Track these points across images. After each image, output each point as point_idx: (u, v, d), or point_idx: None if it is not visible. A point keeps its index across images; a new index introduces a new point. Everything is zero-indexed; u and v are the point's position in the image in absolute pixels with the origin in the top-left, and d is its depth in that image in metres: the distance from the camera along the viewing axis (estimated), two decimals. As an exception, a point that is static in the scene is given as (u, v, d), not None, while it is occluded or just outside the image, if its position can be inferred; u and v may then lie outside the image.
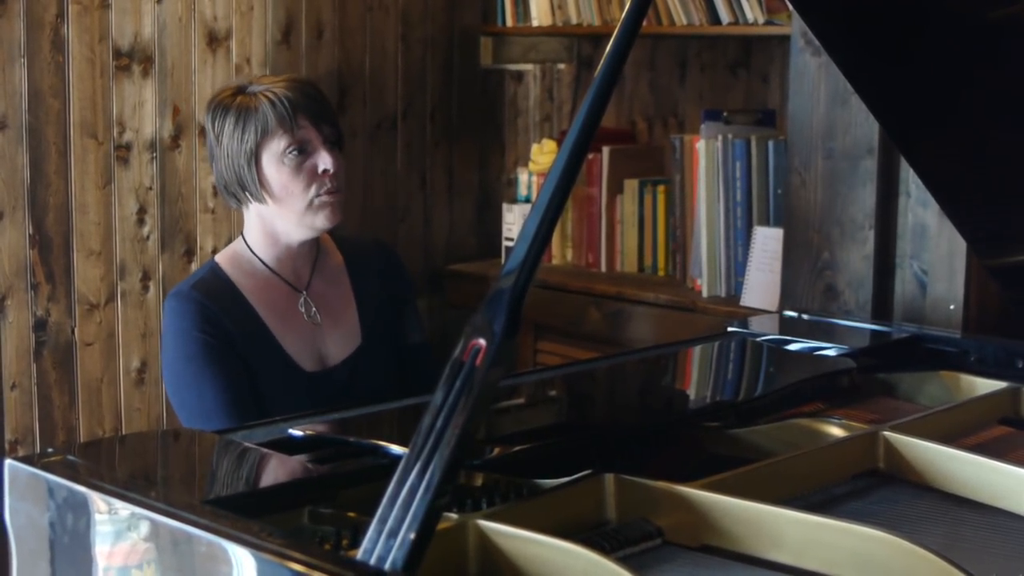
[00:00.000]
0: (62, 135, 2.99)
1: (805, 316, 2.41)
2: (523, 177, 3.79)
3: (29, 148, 2.93)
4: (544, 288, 3.44)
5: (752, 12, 3.17)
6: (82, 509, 1.37)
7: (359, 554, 1.18)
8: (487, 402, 1.23)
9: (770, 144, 3.20)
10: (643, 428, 1.86)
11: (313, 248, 2.35)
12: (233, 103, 2.24)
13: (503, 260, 3.69)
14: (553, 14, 3.66)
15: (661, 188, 3.47)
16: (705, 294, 3.25)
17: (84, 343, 3.06)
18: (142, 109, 3.12)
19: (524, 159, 3.91)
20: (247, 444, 1.62)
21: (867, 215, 2.72)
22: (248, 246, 2.32)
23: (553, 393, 2.06)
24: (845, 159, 2.74)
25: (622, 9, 1.63)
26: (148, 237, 3.15)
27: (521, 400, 1.95)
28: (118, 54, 3.06)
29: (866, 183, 2.72)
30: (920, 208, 2.69)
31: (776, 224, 3.13)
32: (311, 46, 3.45)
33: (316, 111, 2.24)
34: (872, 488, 1.63)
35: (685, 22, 3.30)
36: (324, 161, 2.23)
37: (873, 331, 2.39)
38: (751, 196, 3.21)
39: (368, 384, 2.31)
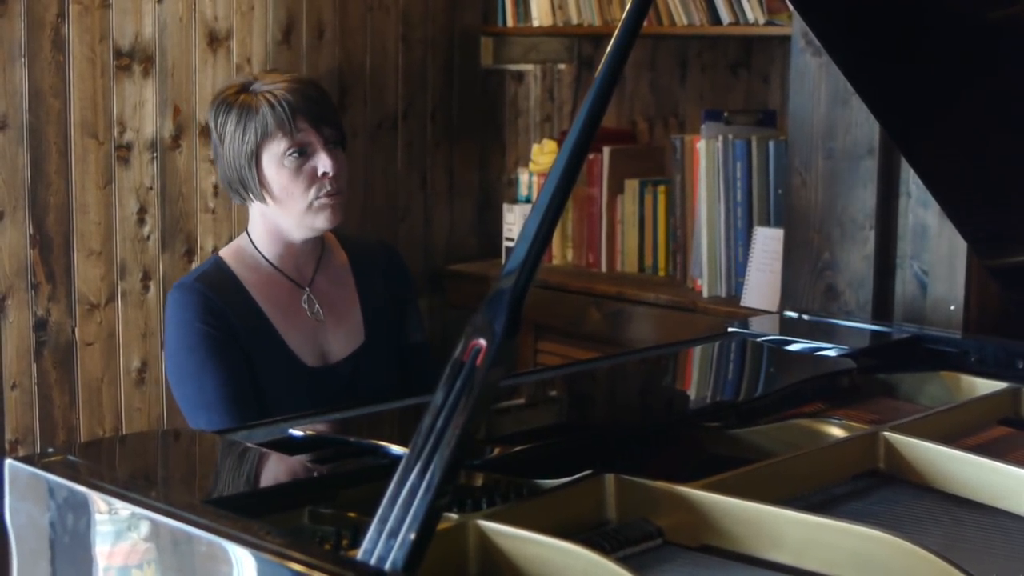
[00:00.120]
0: (63, 135, 2.99)
1: (805, 316, 2.41)
2: (523, 177, 3.79)
3: (30, 148, 2.93)
4: (544, 288, 3.44)
5: (753, 12, 3.17)
6: (82, 509, 1.37)
7: (359, 554, 1.18)
8: (487, 402, 1.23)
9: (771, 144, 3.20)
10: (643, 428, 1.86)
11: (317, 246, 2.35)
12: (236, 102, 2.24)
13: (503, 260, 3.70)
14: (554, 14, 3.66)
15: (661, 188, 3.47)
16: (705, 294, 3.25)
17: (84, 343, 3.06)
18: (143, 109, 3.12)
19: (525, 159, 3.91)
20: (247, 444, 1.62)
21: (867, 215, 2.72)
22: (252, 242, 2.32)
23: (553, 393, 2.06)
24: (845, 159, 2.74)
25: (623, 9, 1.64)
26: (148, 237, 3.15)
27: (521, 400, 1.95)
28: (119, 54, 3.06)
29: (866, 183, 2.72)
30: (920, 208, 2.69)
31: (776, 224, 3.13)
32: (312, 46, 3.46)
33: (316, 113, 2.23)
34: (872, 488, 1.63)
35: (686, 22, 3.30)
36: (324, 164, 2.23)
37: (873, 331, 2.39)
38: (751, 196, 3.21)
39: (370, 382, 2.32)
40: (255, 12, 3.31)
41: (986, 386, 2.00)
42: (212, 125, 2.28)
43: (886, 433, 1.68)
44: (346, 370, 2.31)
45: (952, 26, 1.67)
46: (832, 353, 2.15)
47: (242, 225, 3.31)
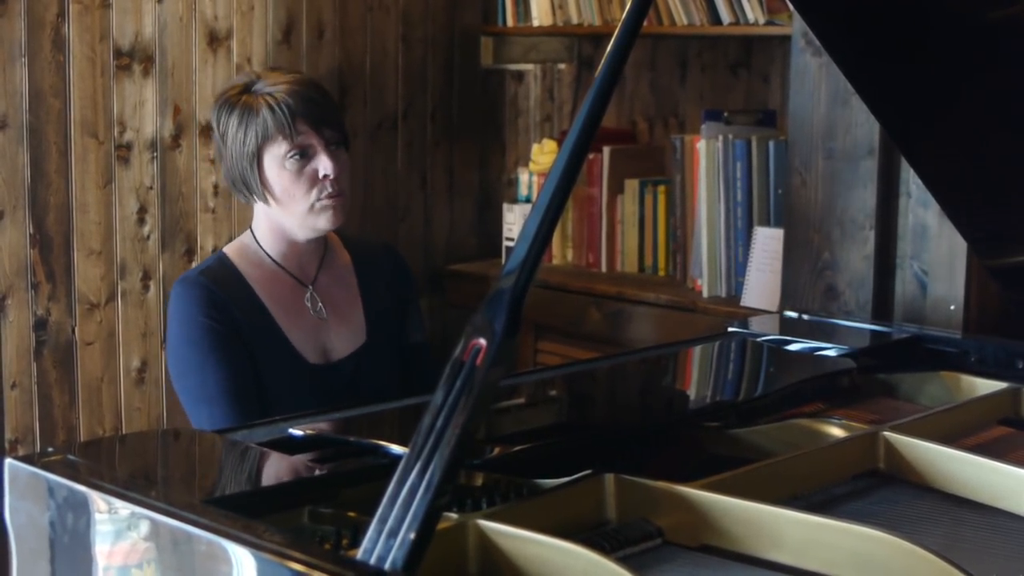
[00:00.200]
0: (63, 134, 2.99)
1: (805, 316, 2.41)
2: (523, 177, 3.79)
3: (30, 147, 2.93)
4: (544, 288, 3.44)
5: (753, 12, 3.17)
6: (82, 508, 1.37)
7: (359, 554, 1.18)
8: (487, 402, 1.23)
9: (771, 144, 3.20)
10: (643, 428, 1.86)
11: (320, 245, 2.36)
12: (238, 102, 2.24)
13: (503, 260, 3.70)
14: (554, 14, 3.66)
15: (661, 188, 3.47)
16: (705, 294, 3.25)
17: (84, 342, 3.06)
18: (143, 109, 3.12)
19: (524, 159, 3.91)
20: (247, 443, 1.62)
21: (867, 215, 2.72)
22: (256, 239, 2.33)
23: (553, 393, 2.06)
24: (845, 159, 2.74)
25: (623, 9, 1.64)
26: (148, 237, 3.15)
27: (521, 400, 1.95)
28: (119, 53, 3.06)
29: (867, 183, 2.72)
30: (920, 208, 2.69)
31: (776, 224, 3.13)
32: (312, 46, 3.46)
33: (316, 115, 2.23)
34: (872, 488, 1.63)
35: (686, 22, 3.30)
36: (324, 166, 2.23)
37: (873, 331, 2.39)
38: (751, 196, 3.21)
39: (371, 382, 2.32)
40: (255, 12, 3.31)
41: (986, 386, 2.00)
42: (215, 125, 2.29)
43: (886, 433, 1.68)
44: (348, 369, 2.31)
45: (952, 26, 1.67)
46: (832, 353, 2.15)
47: (242, 225, 3.32)
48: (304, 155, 2.23)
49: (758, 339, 2.25)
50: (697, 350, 2.26)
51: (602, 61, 1.38)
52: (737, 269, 3.21)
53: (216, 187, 3.25)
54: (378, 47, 3.63)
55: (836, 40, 1.83)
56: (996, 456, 1.61)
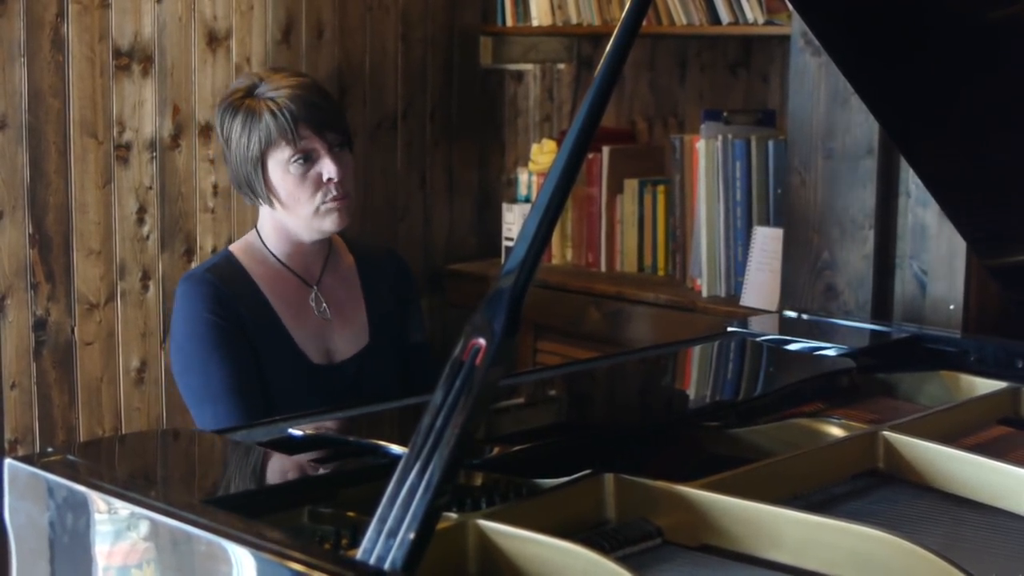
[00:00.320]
0: (62, 134, 2.99)
1: (805, 316, 2.41)
2: (523, 177, 3.79)
3: (29, 147, 2.93)
4: (544, 288, 3.44)
5: (752, 12, 3.17)
6: (82, 509, 1.37)
7: (359, 554, 1.18)
8: (487, 401, 1.23)
9: (770, 144, 3.20)
10: (643, 428, 1.86)
11: (325, 246, 2.36)
12: (241, 106, 2.24)
13: (503, 260, 3.69)
14: (553, 14, 3.66)
15: (661, 188, 3.47)
16: (705, 294, 3.25)
17: (84, 342, 3.06)
18: (142, 108, 3.12)
19: (524, 159, 3.91)
20: (247, 443, 1.62)
21: (867, 215, 2.72)
22: (261, 239, 2.33)
23: (553, 393, 2.06)
24: (845, 159, 2.74)
25: (622, 9, 1.63)
26: (148, 237, 3.15)
27: (521, 400, 1.95)
28: (118, 53, 3.06)
29: (866, 183, 2.72)
30: (920, 208, 2.69)
31: (776, 224, 3.13)
32: (311, 46, 3.45)
33: (319, 119, 2.23)
34: (872, 488, 1.63)
35: (685, 22, 3.30)
36: (328, 170, 2.24)
37: (873, 331, 2.39)
38: (751, 196, 3.21)
39: (373, 384, 2.32)
40: (254, 12, 3.31)
41: (985, 386, 2.00)
42: (218, 129, 2.29)
43: (885, 433, 1.68)
44: (351, 370, 2.32)
45: (952, 26, 1.67)
46: (831, 353, 2.15)
47: (241, 225, 3.32)
48: (308, 159, 2.24)
49: (757, 339, 2.25)
50: (696, 350, 2.26)
51: (601, 61, 1.38)
52: (736, 269, 3.21)
53: (215, 187, 3.25)
54: (377, 47, 3.63)
55: (835, 40, 1.83)
56: (996, 456, 1.61)
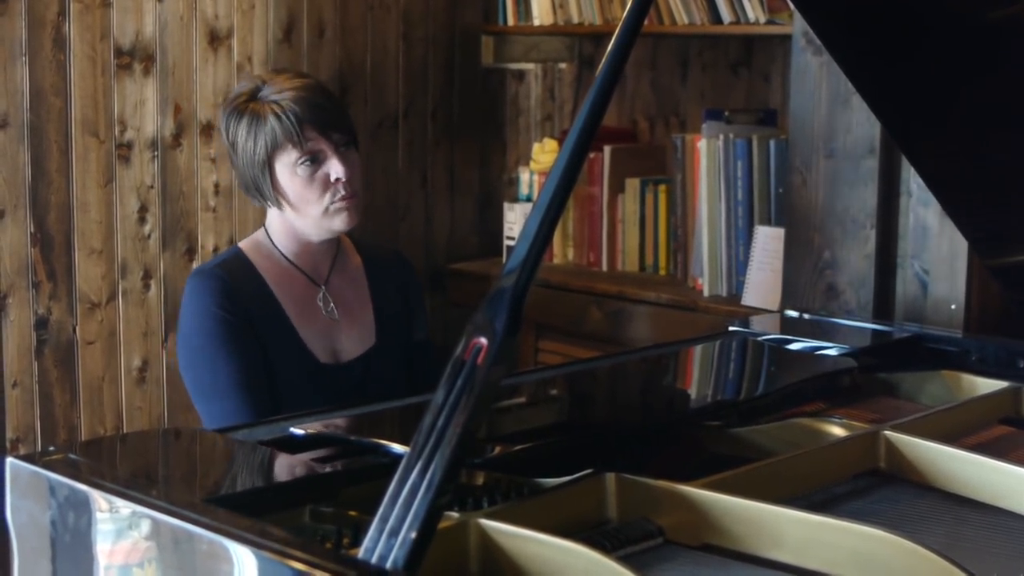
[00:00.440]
0: (63, 133, 2.99)
1: (806, 316, 2.41)
2: (524, 176, 3.79)
3: (31, 146, 2.94)
4: (545, 287, 3.44)
5: (753, 11, 3.17)
6: (83, 507, 1.37)
7: (360, 553, 1.18)
8: (488, 401, 1.23)
9: (771, 143, 3.20)
10: (644, 427, 1.86)
11: (333, 246, 2.37)
12: (245, 110, 2.24)
13: (504, 259, 3.70)
14: (554, 13, 3.66)
15: (662, 187, 3.47)
16: (706, 293, 3.25)
17: (85, 342, 3.06)
18: (143, 107, 3.12)
19: (525, 158, 3.91)
20: (248, 442, 1.62)
21: (868, 215, 2.72)
22: (269, 238, 2.33)
23: (554, 392, 2.06)
24: (846, 158, 2.74)
25: (623, 8, 1.63)
26: (149, 236, 3.15)
27: (522, 399, 1.95)
28: (119, 52, 3.06)
29: (867, 183, 2.72)
30: (921, 208, 2.69)
31: (777, 223, 3.13)
32: (312, 45, 3.46)
33: (324, 120, 2.23)
34: (873, 488, 1.63)
35: (686, 21, 3.30)
36: (335, 170, 2.24)
37: (874, 331, 2.39)
38: (752, 195, 3.21)
39: (379, 384, 2.33)
40: (256, 11, 3.31)
41: (987, 385, 2.00)
42: (223, 134, 2.29)
43: (887, 432, 1.68)
44: (357, 370, 2.32)
45: (953, 25, 1.68)
46: (833, 352, 2.15)
47: (242, 224, 3.32)
48: (315, 160, 2.24)
49: (759, 338, 2.25)
50: (698, 349, 2.26)
51: (603, 60, 1.38)
52: (738, 268, 3.21)
53: (217, 186, 3.25)
54: (379, 46, 3.63)
55: (837, 39, 1.83)
56: (997, 455, 1.61)
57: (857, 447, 1.67)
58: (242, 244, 2.35)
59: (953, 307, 2.64)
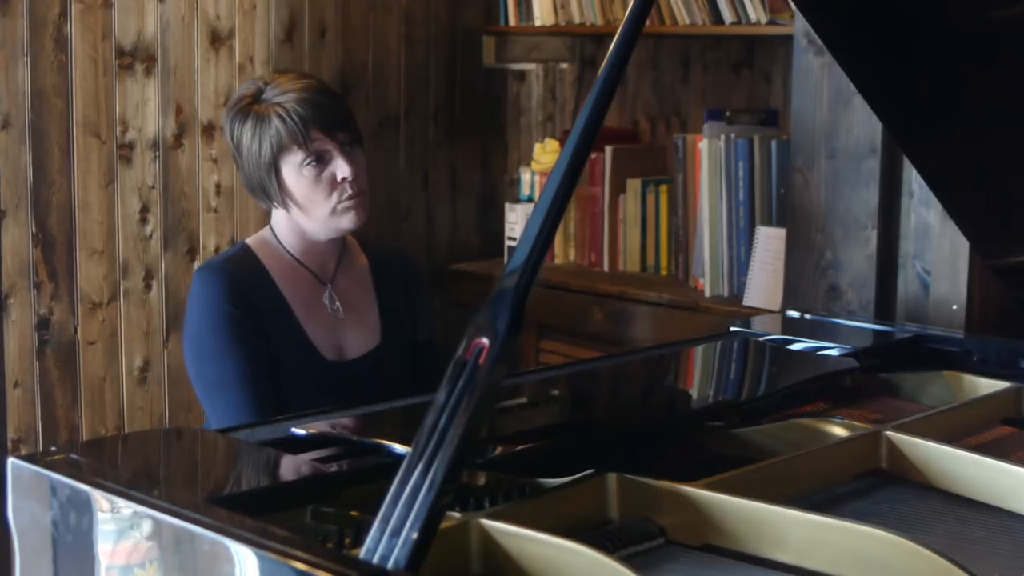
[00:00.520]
0: (65, 134, 2.99)
1: (808, 316, 2.41)
2: (526, 176, 3.79)
3: (32, 147, 2.94)
4: (547, 287, 3.44)
5: (755, 12, 3.17)
6: (85, 508, 1.37)
7: (362, 553, 1.18)
8: (490, 401, 1.23)
9: (773, 144, 3.20)
10: (646, 428, 1.86)
11: (339, 244, 2.37)
12: (249, 112, 2.24)
13: (506, 259, 3.70)
14: (556, 14, 3.66)
15: (664, 188, 3.47)
16: (708, 294, 3.25)
17: (87, 342, 3.06)
18: (145, 108, 3.12)
19: (527, 159, 3.91)
20: (250, 442, 1.62)
21: (870, 215, 2.72)
22: (276, 236, 2.33)
23: (556, 392, 2.06)
24: (848, 159, 2.74)
25: (625, 9, 1.64)
26: (151, 236, 3.15)
27: (524, 399, 1.95)
28: (121, 53, 3.06)
29: (869, 183, 2.72)
30: (923, 208, 2.69)
31: (779, 224, 3.13)
32: (314, 45, 3.46)
33: (328, 121, 2.23)
34: (875, 488, 1.63)
35: (688, 22, 3.30)
36: (342, 170, 2.24)
37: (876, 331, 2.39)
38: (754, 196, 3.20)
39: (384, 383, 2.33)
40: (257, 11, 3.31)
41: (989, 386, 2.00)
42: (228, 137, 2.29)
43: (889, 433, 1.68)
44: (362, 369, 2.32)
45: (954, 26, 1.67)
46: (834, 353, 2.15)
47: (244, 225, 3.33)
48: (321, 160, 2.24)
49: (760, 339, 2.25)
50: (699, 350, 2.26)
51: (604, 61, 1.38)
52: (739, 268, 3.21)
53: (218, 186, 3.25)
54: (380, 47, 3.63)
55: (838, 40, 1.83)
56: (999, 456, 1.61)
57: (859, 447, 1.67)
58: (249, 240, 2.35)
59: (955, 307, 2.64)
